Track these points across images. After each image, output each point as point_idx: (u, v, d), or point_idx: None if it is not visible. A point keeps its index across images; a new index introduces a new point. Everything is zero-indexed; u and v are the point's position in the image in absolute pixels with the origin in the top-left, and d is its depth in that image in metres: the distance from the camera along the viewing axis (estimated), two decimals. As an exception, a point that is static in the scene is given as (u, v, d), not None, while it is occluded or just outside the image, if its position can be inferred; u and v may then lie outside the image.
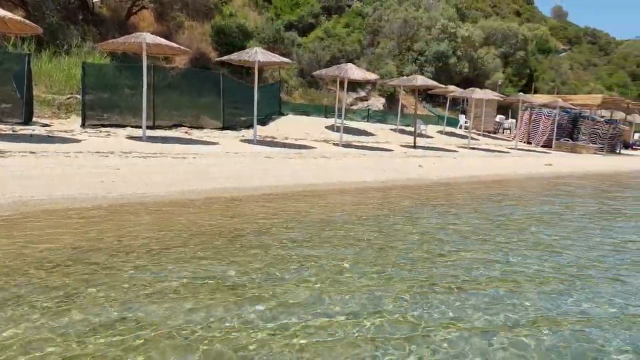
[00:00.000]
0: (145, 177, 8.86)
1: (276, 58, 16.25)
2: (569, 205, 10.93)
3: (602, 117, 33.49)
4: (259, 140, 16.04)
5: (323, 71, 20.12)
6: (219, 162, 11.47)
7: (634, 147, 37.42)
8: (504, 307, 4.25)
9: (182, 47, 14.67)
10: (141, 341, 3.25)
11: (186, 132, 15.95)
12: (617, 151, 30.83)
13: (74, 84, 16.04)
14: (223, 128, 17.35)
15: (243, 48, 19.87)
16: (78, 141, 11.95)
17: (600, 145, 29.01)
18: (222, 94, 17.21)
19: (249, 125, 17.06)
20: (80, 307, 3.70)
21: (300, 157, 13.98)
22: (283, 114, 23.81)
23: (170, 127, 16.23)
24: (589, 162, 22.78)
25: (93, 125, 14.49)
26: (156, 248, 5.31)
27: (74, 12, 21.02)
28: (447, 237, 6.73)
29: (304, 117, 24.07)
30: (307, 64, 28.89)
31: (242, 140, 15.77)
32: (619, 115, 37.20)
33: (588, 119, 30.19)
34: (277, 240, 6.04)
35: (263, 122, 19.95)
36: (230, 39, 25.45)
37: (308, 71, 27.58)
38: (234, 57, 15.93)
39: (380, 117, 28.71)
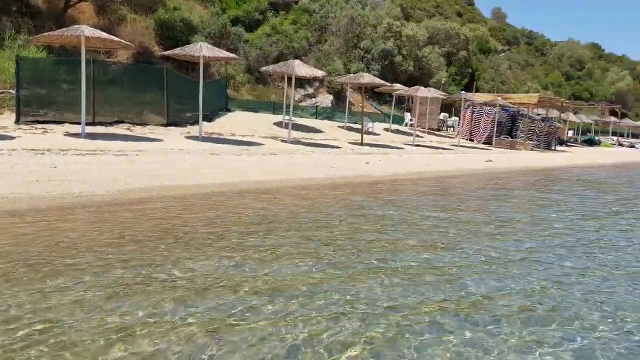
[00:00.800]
0: (85, 175, 8.52)
1: (222, 54, 16.03)
2: (502, 196, 11.39)
3: (539, 115, 35.09)
4: (205, 137, 15.77)
5: (271, 67, 20.02)
6: (162, 160, 11.18)
7: (568, 144, 39.39)
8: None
9: (124, 42, 14.18)
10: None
11: (128, 129, 15.45)
12: (553, 148, 32.35)
13: (7, 78, 15.19)
14: (168, 125, 16.92)
15: (188, 43, 19.43)
16: (12, 138, 11.35)
17: (537, 143, 30.39)
18: (167, 90, 16.77)
19: (195, 122, 16.74)
20: None
21: (248, 154, 13.86)
22: (230, 111, 23.50)
23: (111, 124, 15.65)
24: (527, 158, 23.81)
25: (29, 122, 13.76)
26: (101, 249, 5.12)
27: (8, 3, 19.91)
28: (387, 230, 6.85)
29: (251, 113, 23.85)
30: (255, 60, 28.63)
31: (187, 137, 15.44)
32: (555, 113, 39.13)
33: (526, 118, 31.49)
34: (223, 237, 5.96)
35: (209, 118, 19.61)
36: (175, 34, 24.84)
37: (256, 67, 27.33)
38: (179, 52, 15.58)
39: (328, 114, 28.85)
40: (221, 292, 4.22)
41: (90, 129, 13.47)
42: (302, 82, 29.47)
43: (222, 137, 17.05)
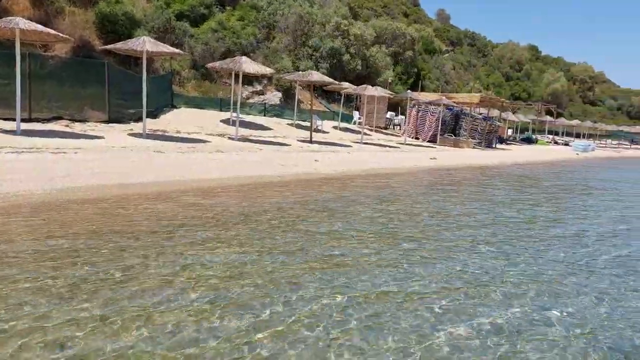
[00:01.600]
0: (20, 174, 8.09)
1: (166, 48, 15.62)
2: (442, 191, 11.72)
3: (481, 114, 36.30)
4: (149, 134, 15.33)
5: (217, 63, 19.69)
6: (103, 157, 10.78)
7: (507, 142, 40.98)
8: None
9: (62, 35, 13.54)
10: None
11: (67, 126, 14.79)
12: (493, 146, 33.55)
13: None
14: (109, 121, 16.34)
15: (130, 37, 18.82)
16: (-64, 135, 10.63)
17: (479, 141, 31.44)
18: (108, 85, 16.19)
19: (138, 119, 16.25)
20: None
21: (194, 152, 13.58)
22: (175, 107, 22.97)
23: (49, 120, 14.94)
24: (469, 156, 24.58)
25: (-44, 117, 12.94)
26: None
27: None
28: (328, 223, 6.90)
29: (198, 110, 23.41)
30: (201, 56, 28.11)
31: (130, 134, 14.96)
32: (495, 112, 40.61)
33: (468, 116, 32.49)
34: (167, 238, 5.82)
35: (153, 115, 19.10)
36: (117, 27, 24.01)
37: (201, 63, 26.85)
38: (120, 46, 15.04)
39: (277, 111, 28.73)
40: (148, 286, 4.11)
41: (25, 126, 12.81)
42: (249, 79, 29.23)
43: (166, 134, 16.63)
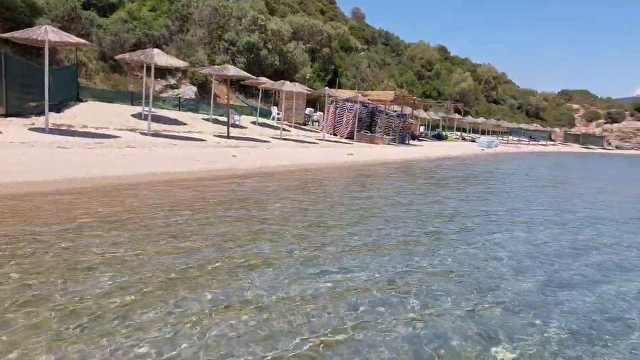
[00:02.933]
0: None
1: (71, 38, 14.66)
2: (358, 184, 12.01)
3: (395, 112, 37.52)
4: (52, 128, 14.33)
5: (127, 55, 18.79)
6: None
7: (419, 138, 42.70)
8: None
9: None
10: None
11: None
12: (407, 142, 34.82)
13: None
14: (7, 115, 15.05)
15: (31, 25, 17.47)
16: None
17: (393, 137, 32.51)
18: (5, 76, 14.88)
19: (40, 112, 15.12)
20: None
21: (102, 147, 12.88)
22: (82, 101, 21.65)
23: None
24: (384, 152, 25.34)
25: None
26: None
27: None
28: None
29: (106, 104, 22.21)
30: (109, 47, 26.68)
31: (31, 129, 13.89)
32: (408, 110, 42.14)
33: (383, 114, 33.44)
34: (73, 236, 5.47)
35: (57, 109, 17.88)
36: (16, 15, 22.22)
37: (110, 54, 25.49)
38: (19, 34, 13.91)
39: (192, 106, 27.93)
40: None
41: None
42: (162, 72, 28.21)
43: (72, 128, 15.63)
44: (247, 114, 29.86)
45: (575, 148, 71.79)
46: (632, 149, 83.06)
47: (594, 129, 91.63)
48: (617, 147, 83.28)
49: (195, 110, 27.39)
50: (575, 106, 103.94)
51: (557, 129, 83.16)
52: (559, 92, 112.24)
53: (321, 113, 35.08)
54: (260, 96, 29.92)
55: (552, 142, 74.91)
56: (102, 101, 22.58)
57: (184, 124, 21.95)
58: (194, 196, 8.91)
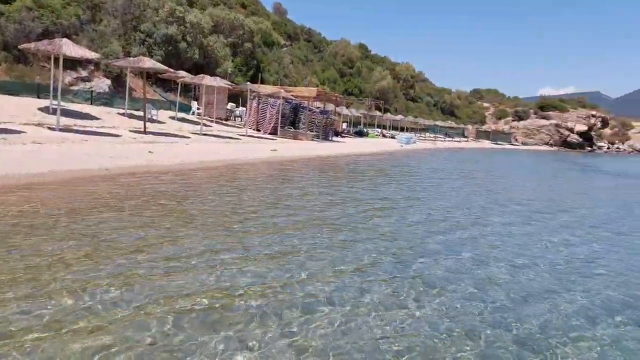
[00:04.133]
0: None
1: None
2: (281, 179, 11.97)
3: (318, 108, 37.74)
4: (-55, 122, 13.02)
5: (32, 45, 17.47)
6: None
7: (342, 135, 43.29)
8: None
9: None
10: None
11: None
12: (330, 138, 35.17)
13: None
14: None
15: None
16: None
17: (317, 133, 32.70)
18: None
19: None
20: None
21: (4, 143, 11.87)
22: (-20, 93, 19.90)
23: None
24: (307, 147, 25.42)
25: None
26: None
27: None
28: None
29: (10, 97, 20.54)
30: (13, 36, 24.65)
31: None
32: (331, 107, 42.56)
33: (306, 110, 33.54)
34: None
35: (-49, 101, 16.30)
36: None
37: (14, 44, 23.57)
38: None
39: (106, 100, 26.50)
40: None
41: None
42: (73, 64, 26.50)
43: (-32, 122, 14.30)
44: (165, 109, 28.81)
45: (486, 144, 76.01)
46: (535, 144, 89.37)
47: (502, 126, 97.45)
48: (523, 143, 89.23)
49: (109, 104, 26.02)
50: (486, 104, 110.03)
51: (469, 126, 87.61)
52: (471, 91, 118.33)
53: (244, 108, 34.58)
54: (179, 90, 28.94)
55: (465, 139, 78.82)
56: (5, 94, 20.86)
57: (97, 118, 20.78)
58: (105, 194, 8.42)
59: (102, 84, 28.49)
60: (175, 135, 20.37)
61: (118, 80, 29.61)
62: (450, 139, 70.43)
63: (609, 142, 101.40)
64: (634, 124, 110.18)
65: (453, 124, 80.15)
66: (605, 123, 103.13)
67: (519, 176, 25.07)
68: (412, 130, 65.41)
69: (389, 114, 62.85)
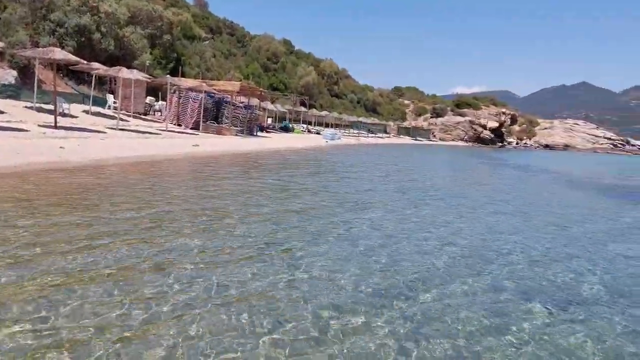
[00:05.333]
0: None
1: None
2: (199, 175, 11.78)
3: (242, 103, 37.30)
4: None
5: None
6: None
7: (267, 130, 43.09)
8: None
9: None
10: None
11: None
12: (255, 134, 34.90)
13: None
14: None
15: None
16: None
17: (241, 128, 32.33)
18: None
19: None
20: None
21: None
22: None
23: None
24: (231, 143, 25.10)
25: None
26: None
27: None
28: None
29: None
30: None
31: None
32: (255, 102, 42.21)
33: (230, 104, 33.06)
34: None
35: None
36: None
37: None
38: None
39: (12, 92, 24.68)
40: None
41: None
42: (-28, 53, 24.47)
43: None
44: (78, 103, 27.30)
45: (407, 140, 78.74)
46: (452, 140, 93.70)
47: (422, 123, 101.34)
48: (440, 139, 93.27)
49: (15, 97, 24.27)
50: (407, 102, 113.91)
51: (391, 123, 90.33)
52: (392, 89, 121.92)
53: (164, 102, 33.47)
54: (93, 83, 27.50)
55: (387, 135, 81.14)
56: None
57: (2, 112, 19.30)
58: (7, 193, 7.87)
59: (7, 75, 26.51)
60: (90, 130, 19.36)
61: (25, 71, 27.70)
62: (373, 135, 72.20)
63: (517, 138, 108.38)
64: (539, 121, 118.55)
65: (376, 121, 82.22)
66: (514, 120, 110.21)
67: (432, 169, 26.26)
68: (337, 126, 66.33)
69: (314, 110, 63.33)
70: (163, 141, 20.70)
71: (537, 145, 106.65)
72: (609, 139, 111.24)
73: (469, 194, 15.19)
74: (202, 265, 5.16)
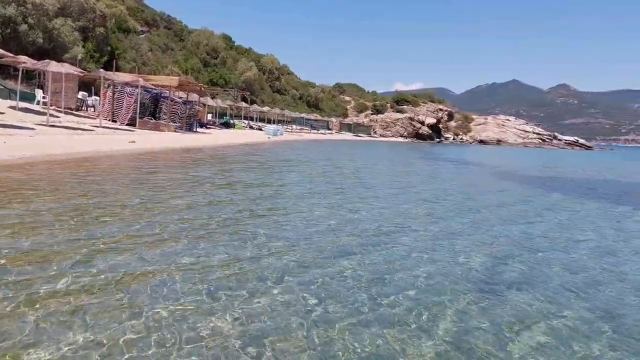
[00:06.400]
0: None
1: None
2: (147, 172, 11.52)
3: (180, 98, 36.48)
4: None
5: None
6: None
7: (207, 126, 42.39)
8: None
9: None
10: None
11: None
12: (194, 130, 34.25)
13: None
14: None
15: None
16: None
17: (180, 124, 31.62)
18: None
19: None
20: None
21: None
22: None
23: None
24: (169, 139, 24.52)
25: None
26: None
27: None
28: None
29: None
30: None
31: None
32: (195, 97, 41.39)
33: (168, 100, 32.25)
34: None
35: None
36: None
37: None
38: None
39: None
40: None
41: None
42: None
43: None
44: (4, 98, 25.82)
45: (349, 136, 79.67)
46: (392, 136, 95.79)
47: (363, 119, 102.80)
48: (381, 135, 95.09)
49: None
50: (348, 98, 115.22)
51: (333, 119, 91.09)
52: (334, 85, 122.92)
53: (97, 98, 32.21)
54: (20, 77, 26.07)
55: (330, 131, 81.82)
56: None
57: None
58: None
59: None
60: (17, 127, 18.36)
61: (-58, 64, 25.85)
62: (316, 131, 72.58)
63: (454, 134, 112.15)
64: (474, 117, 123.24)
65: (318, 117, 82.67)
66: (451, 116, 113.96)
67: (372, 162, 26.79)
68: (279, 122, 66.17)
69: (255, 106, 62.88)
70: (97, 137, 19.96)
71: (472, 140, 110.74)
72: (538, 134, 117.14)
73: (379, 185, 15.65)
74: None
